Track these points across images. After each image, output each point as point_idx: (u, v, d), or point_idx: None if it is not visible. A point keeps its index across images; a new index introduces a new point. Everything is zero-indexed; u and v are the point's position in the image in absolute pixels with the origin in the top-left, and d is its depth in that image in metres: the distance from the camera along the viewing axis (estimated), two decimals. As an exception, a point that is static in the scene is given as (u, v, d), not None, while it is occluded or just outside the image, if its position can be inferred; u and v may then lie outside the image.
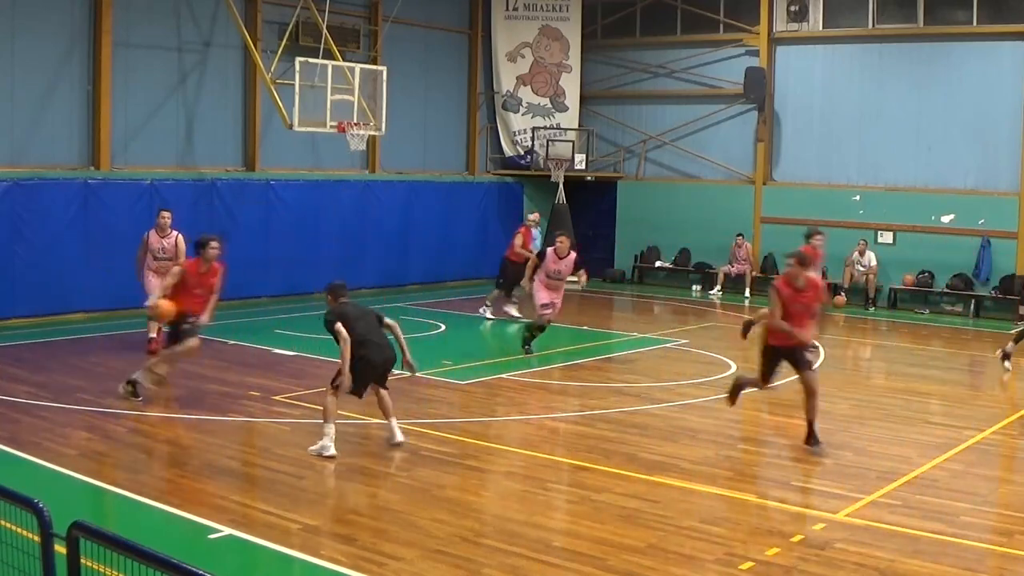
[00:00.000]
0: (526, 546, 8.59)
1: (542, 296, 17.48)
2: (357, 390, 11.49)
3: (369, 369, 11.41)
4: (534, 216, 23.27)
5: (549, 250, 17.65)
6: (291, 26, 22.91)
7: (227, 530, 8.75)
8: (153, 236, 16.69)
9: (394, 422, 11.64)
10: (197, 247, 13.68)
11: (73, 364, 15.87)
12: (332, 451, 11.11)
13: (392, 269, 26.19)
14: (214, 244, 13.59)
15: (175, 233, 16.78)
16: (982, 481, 10.97)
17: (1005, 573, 8.46)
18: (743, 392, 13.07)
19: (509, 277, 21.43)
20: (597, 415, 13.53)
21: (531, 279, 17.74)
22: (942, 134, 25.35)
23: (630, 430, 12.83)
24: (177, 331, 13.45)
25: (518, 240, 21.73)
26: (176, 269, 13.78)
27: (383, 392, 11.64)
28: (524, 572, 8.06)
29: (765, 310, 17.36)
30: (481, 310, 22.06)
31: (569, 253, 17.53)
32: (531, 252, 20.59)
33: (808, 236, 16.79)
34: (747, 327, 16.23)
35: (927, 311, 24.73)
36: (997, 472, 11.86)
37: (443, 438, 12.00)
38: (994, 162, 24.73)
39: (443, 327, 20.37)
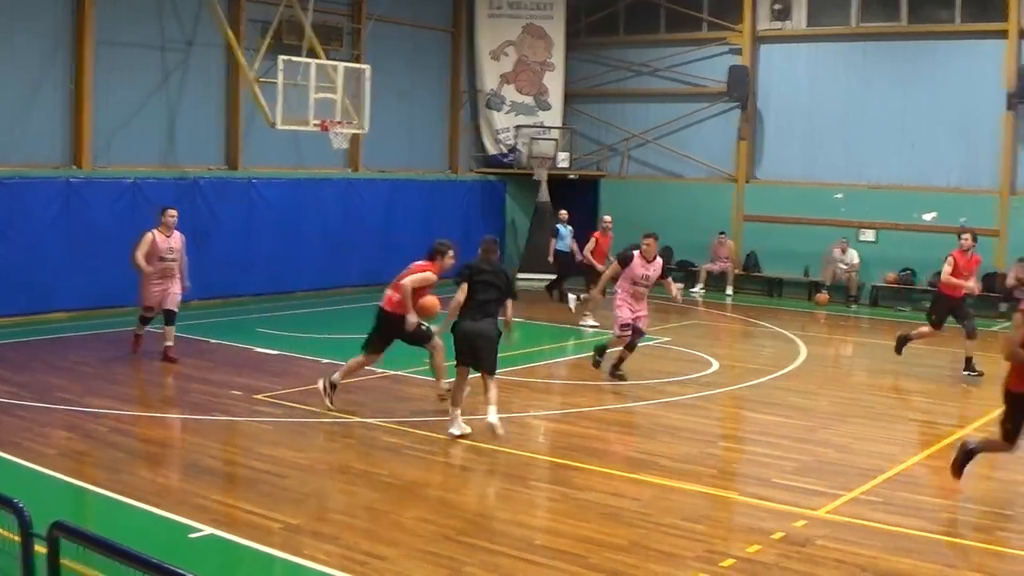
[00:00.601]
0: (509, 544, 8.59)
1: (624, 313, 15.48)
2: (458, 360, 12.14)
3: (459, 340, 11.98)
4: (608, 218, 23.33)
5: (635, 254, 15.54)
6: (274, 25, 22.82)
7: (208, 529, 8.73)
8: (159, 236, 16.08)
9: (492, 410, 11.79)
10: (433, 255, 12.97)
11: (54, 363, 15.81)
12: (458, 430, 11.94)
13: (375, 267, 26.00)
14: (451, 254, 13.08)
15: (177, 232, 16.51)
16: (963, 478, 11.00)
17: (985, 569, 8.49)
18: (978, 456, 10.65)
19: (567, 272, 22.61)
20: (580, 413, 13.54)
21: (603, 290, 16.50)
22: (925, 132, 25.43)
23: (612, 428, 12.85)
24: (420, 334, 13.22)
25: (591, 244, 22.25)
26: (429, 275, 12.86)
27: (489, 381, 11.93)
28: (507, 570, 8.06)
29: (925, 328, 17.45)
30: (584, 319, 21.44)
31: (656, 257, 15.74)
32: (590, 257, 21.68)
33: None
34: (902, 342, 17.31)
35: (909, 308, 24.78)
36: (978, 469, 11.88)
37: (426, 437, 11.99)
38: (976, 160, 24.82)
39: (425, 325, 20.29)
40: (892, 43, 26.04)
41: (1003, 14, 24.36)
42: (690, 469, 11.05)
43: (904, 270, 25.32)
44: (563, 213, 24.24)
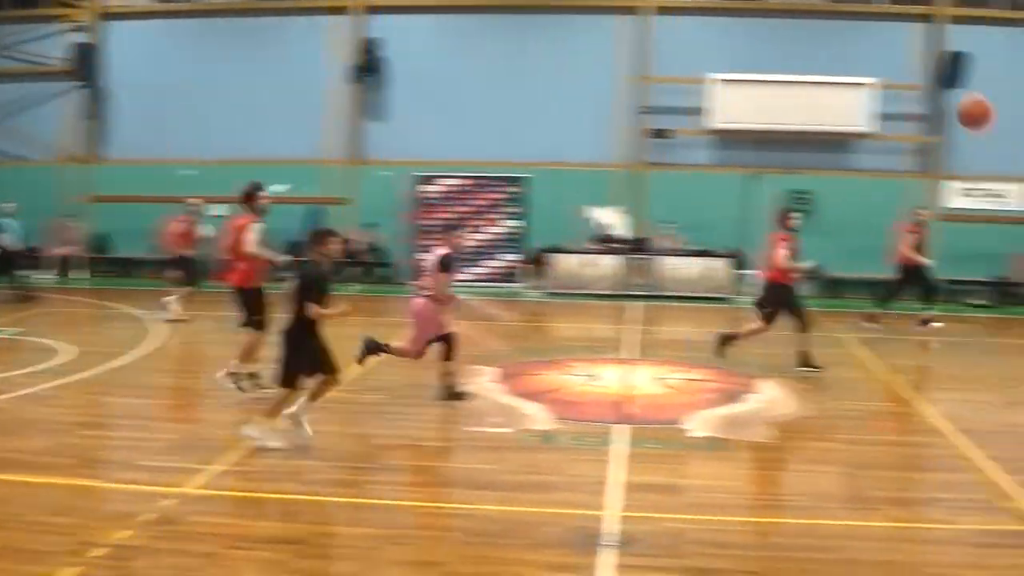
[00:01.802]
0: None
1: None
2: None
3: None
4: (195, 201, 21.79)
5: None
6: None
7: None
8: None
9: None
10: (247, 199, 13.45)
11: None
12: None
13: None
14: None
15: None
16: (326, 437, 11.40)
17: (355, 521, 8.87)
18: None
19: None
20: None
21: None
22: (273, 105, 26.31)
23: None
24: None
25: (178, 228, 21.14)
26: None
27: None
28: None
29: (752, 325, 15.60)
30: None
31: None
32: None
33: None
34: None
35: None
36: (331, 427, 12.33)
37: None
38: (324, 131, 26.26)
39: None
40: (238, 19, 26.72)
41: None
42: (51, 461, 10.53)
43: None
44: (11, 206, 22.15)
